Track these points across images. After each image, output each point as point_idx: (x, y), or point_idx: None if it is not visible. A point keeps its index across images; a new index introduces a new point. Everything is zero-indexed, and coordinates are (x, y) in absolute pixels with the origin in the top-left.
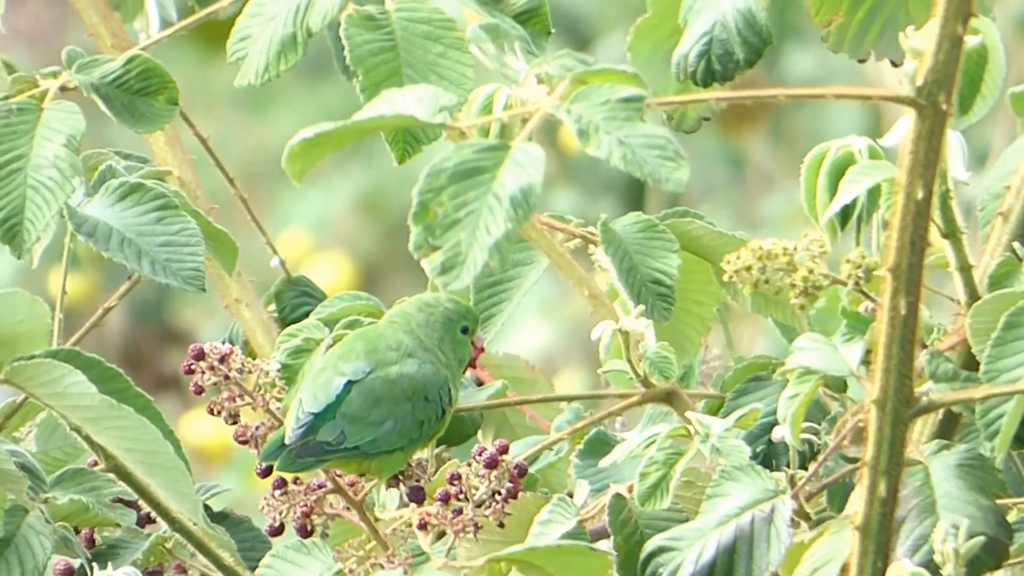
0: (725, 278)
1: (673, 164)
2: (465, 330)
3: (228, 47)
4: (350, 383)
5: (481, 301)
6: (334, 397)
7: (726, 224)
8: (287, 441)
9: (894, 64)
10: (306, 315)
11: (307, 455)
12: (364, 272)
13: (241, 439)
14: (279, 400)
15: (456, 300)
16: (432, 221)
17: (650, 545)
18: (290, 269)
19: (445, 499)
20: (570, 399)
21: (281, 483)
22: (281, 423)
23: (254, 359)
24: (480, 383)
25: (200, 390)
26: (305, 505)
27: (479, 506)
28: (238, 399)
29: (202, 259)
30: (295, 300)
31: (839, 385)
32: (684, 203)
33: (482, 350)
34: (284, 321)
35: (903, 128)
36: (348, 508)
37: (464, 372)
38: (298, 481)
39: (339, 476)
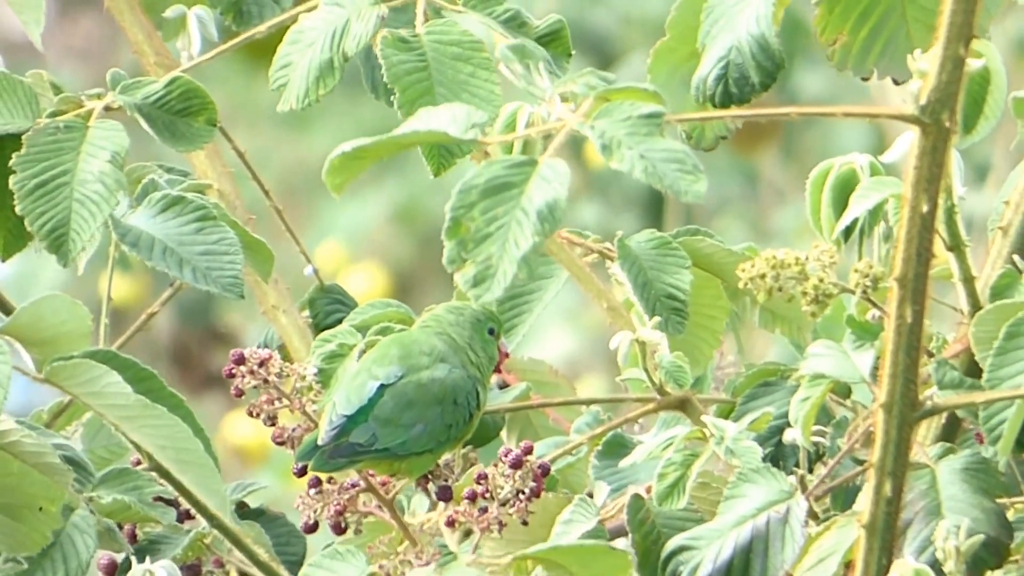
0: (740, 285)
1: (692, 177)
2: (492, 332)
3: (270, 74)
4: (383, 387)
5: (505, 312)
6: (367, 400)
7: (740, 236)
8: (320, 442)
9: (896, 82)
10: (339, 321)
11: (340, 456)
12: (397, 281)
13: (279, 440)
14: (315, 403)
15: (483, 306)
16: (464, 236)
17: (671, 545)
18: (326, 279)
19: (472, 498)
20: (590, 403)
21: (316, 482)
22: (316, 425)
23: (291, 363)
24: (505, 386)
25: (240, 393)
26: (338, 504)
27: (504, 504)
28: (276, 402)
29: (240, 267)
30: (328, 307)
31: (844, 390)
32: (700, 216)
33: (507, 355)
34: (318, 327)
35: (903, 145)
36: (380, 507)
37: (494, 371)
38: (332, 480)
39: (371, 476)
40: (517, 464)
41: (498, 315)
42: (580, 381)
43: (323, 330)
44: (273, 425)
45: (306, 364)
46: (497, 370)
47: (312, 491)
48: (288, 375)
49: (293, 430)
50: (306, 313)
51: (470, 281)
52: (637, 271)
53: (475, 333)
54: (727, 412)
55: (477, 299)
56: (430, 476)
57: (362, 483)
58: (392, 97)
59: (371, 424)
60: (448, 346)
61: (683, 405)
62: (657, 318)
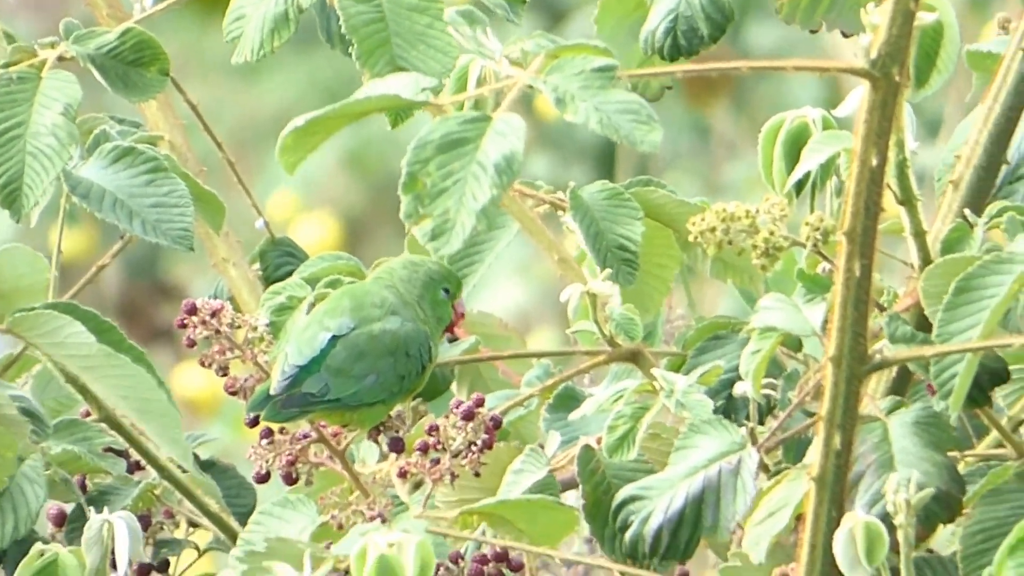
0: (690, 239)
1: (647, 127)
2: (447, 292)
3: (224, 26)
4: (335, 338)
5: (456, 262)
6: (319, 351)
7: (692, 189)
8: (273, 392)
9: (844, 35)
10: (289, 274)
11: (292, 406)
12: (349, 229)
13: (231, 390)
14: (266, 354)
15: (441, 263)
16: (421, 191)
17: (621, 495)
18: (278, 229)
19: (424, 449)
20: (541, 356)
21: (267, 433)
22: (268, 376)
23: (242, 315)
24: (454, 339)
25: (192, 343)
26: (290, 454)
27: (456, 456)
28: (228, 352)
29: (190, 219)
30: (279, 260)
31: (795, 344)
32: (652, 169)
33: (462, 315)
34: (268, 280)
35: (856, 99)
36: (331, 458)
37: (443, 335)
38: (284, 431)
39: (323, 427)
40: (469, 416)
41: (456, 274)
42: (531, 334)
43: (273, 283)
44: (225, 375)
45: (256, 316)
46: (450, 330)
47: (264, 441)
48: (240, 326)
49: (245, 380)
50: (256, 266)
51: (428, 234)
52: (589, 222)
53: (425, 292)
54: (678, 365)
55: (436, 252)
56: (381, 427)
57: (313, 434)
58: (350, 48)
59: (323, 374)
60: (399, 299)
61: (634, 358)
62: (608, 270)
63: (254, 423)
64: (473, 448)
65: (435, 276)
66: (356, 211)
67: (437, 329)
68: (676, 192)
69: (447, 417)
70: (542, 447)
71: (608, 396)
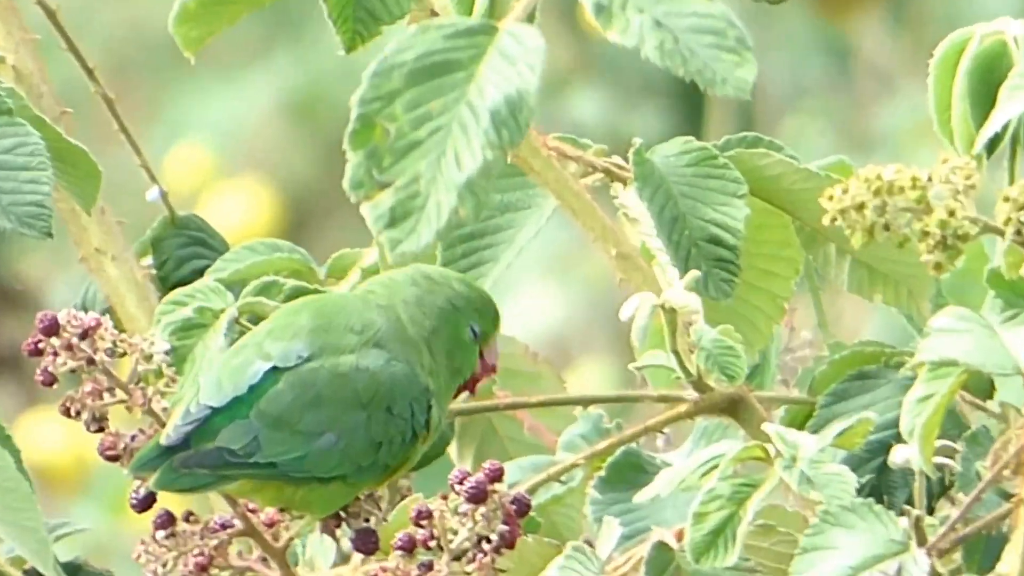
0: (824, 222)
1: (734, 57)
2: (476, 332)
3: None
4: (276, 370)
5: (453, 260)
6: (246, 388)
7: (824, 145)
8: (164, 438)
9: None
10: (199, 273)
11: (199, 465)
12: (293, 207)
13: (109, 453)
14: (165, 397)
15: (473, 285)
16: (379, 144)
17: None
18: (182, 203)
19: (408, 548)
20: (588, 402)
21: (166, 521)
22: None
23: (129, 336)
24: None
25: (51, 380)
26: (201, 554)
27: (458, 559)
28: (107, 394)
29: (48, 189)
30: (182, 251)
31: (985, 387)
32: (762, 117)
33: (494, 369)
34: (166, 281)
35: None
36: (265, 559)
37: (458, 394)
38: (192, 519)
39: (252, 512)
40: (478, 496)
41: (495, 304)
42: (572, 369)
43: (175, 287)
44: (101, 430)
45: (151, 337)
46: (470, 387)
47: (161, 534)
48: (124, 353)
49: (132, 438)
50: (148, 260)
51: (384, 217)
52: (663, 201)
53: (443, 326)
54: (803, 419)
55: (394, 247)
56: (343, 513)
57: (238, 523)
58: None
59: (252, 423)
60: (393, 329)
61: (733, 407)
62: (694, 273)
63: (145, 504)
64: (485, 546)
65: (459, 303)
66: (302, 179)
67: (449, 384)
68: (799, 157)
69: (445, 498)
70: (590, 545)
71: (694, 466)
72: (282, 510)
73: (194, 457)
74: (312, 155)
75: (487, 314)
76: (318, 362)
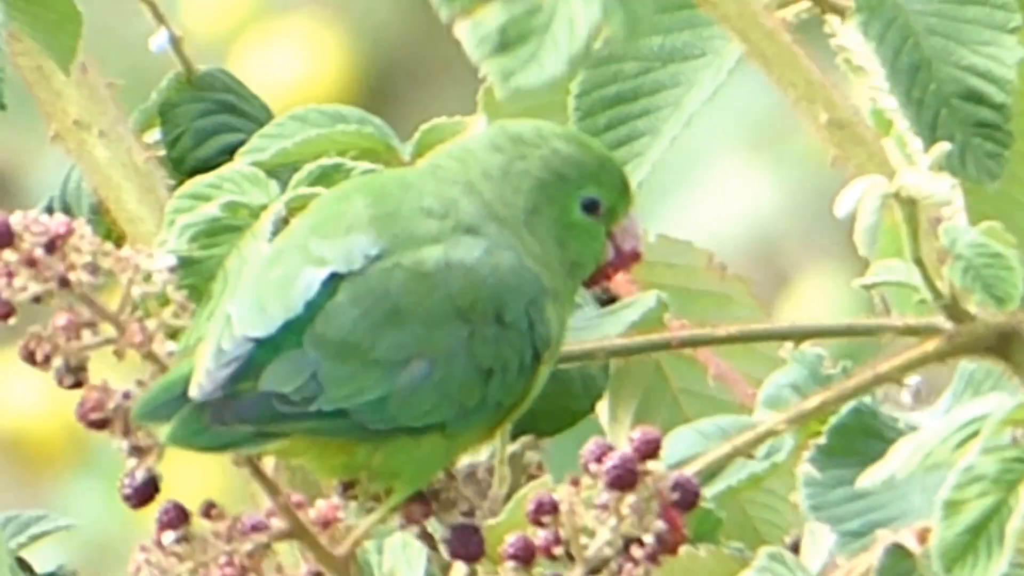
0: None
1: None
2: (593, 206)
3: None
4: (335, 277)
5: (594, 134)
6: (301, 307)
7: None
8: (196, 391)
9: None
10: (229, 153)
11: (237, 418)
12: (369, 60)
13: (93, 416)
14: (175, 338)
15: (584, 141)
16: None
17: None
18: (205, 55)
19: (524, 557)
20: (802, 337)
21: (176, 518)
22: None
23: (119, 246)
24: (609, 300)
25: (6, 311)
26: (229, 565)
27: (596, 573)
28: (87, 331)
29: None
30: (204, 122)
31: None
32: None
33: (635, 255)
34: (181, 164)
35: None
36: (320, 574)
37: (591, 284)
38: (215, 513)
39: (298, 504)
40: (624, 479)
41: (615, 162)
42: (780, 288)
43: (195, 172)
44: (78, 385)
45: (153, 248)
46: (603, 280)
47: (169, 537)
48: (114, 269)
49: (125, 396)
50: (155, 136)
51: (490, 40)
52: (899, 39)
53: (544, 202)
54: None
55: (505, 78)
56: (433, 497)
57: (279, 520)
58: None
59: (308, 354)
60: (481, 207)
61: (1004, 343)
62: (943, 145)
63: (143, 494)
64: (636, 553)
65: (567, 169)
66: (382, 20)
67: (567, 283)
68: None
69: (577, 483)
70: (795, 549)
71: (946, 433)
72: (348, 486)
73: (230, 407)
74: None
75: (608, 180)
76: (391, 260)
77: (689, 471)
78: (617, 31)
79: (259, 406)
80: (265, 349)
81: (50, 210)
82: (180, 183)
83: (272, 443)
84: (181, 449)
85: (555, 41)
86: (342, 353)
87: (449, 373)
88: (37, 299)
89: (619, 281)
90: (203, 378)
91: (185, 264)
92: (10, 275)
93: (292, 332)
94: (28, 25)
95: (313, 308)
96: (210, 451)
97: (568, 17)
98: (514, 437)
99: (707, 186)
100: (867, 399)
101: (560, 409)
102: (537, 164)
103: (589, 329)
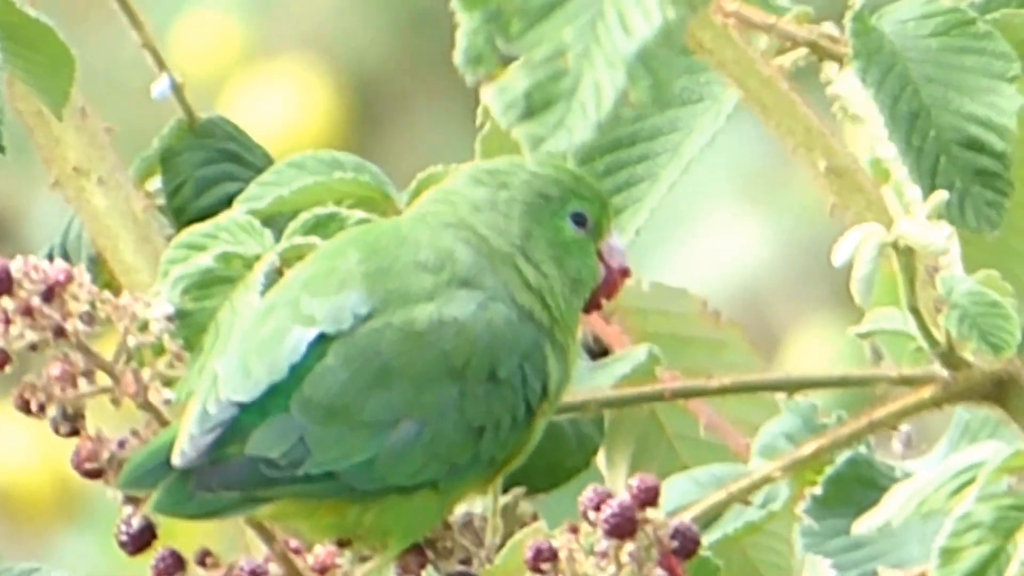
0: None
1: None
2: (582, 220)
3: None
4: (323, 339)
5: (600, 179)
6: (286, 370)
7: None
8: (178, 458)
9: None
10: (230, 203)
11: (224, 484)
12: (359, 100)
13: (88, 466)
14: (170, 383)
15: (552, 161)
16: (503, 2)
17: None
18: (205, 101)
19: None
20: (796, 387)
21: (172, 565)
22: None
23: (116, 295)
24: (600, 351)
25: (2, 359)
26: None
27: None
28: (83, 380)
29: None
30: (206, 170)
31: None
32: None
33: (625, 272)
34: (182, 214)
35: None
36: None
37: (589, 310)
38: (210, 561)
39: (295, 551)
40: (623, 527)
41: (589, 179)
42: (773, 337)
43: (191, 222)
44: (74, 433)
45: (151, 297)
46: (596, 305)
47: None
48: (111, 317)
49: (120, 445)
50: (155, 184)
51: (517, 105)
52: (898, 88)
53: (535, 224)
54: None
55: (535, 146)
56: (427, 548)
57: (276, 567)
58: None
59: (294, 419)
60: (476, 254)
61: (1001, 391)
62: (941, 193)
63: (140, 542)
64: None
65: (550, 189)
66: (372, 59)
67: (571, 303)
68: None
69: (576, 530)
70: None
71: (941, 480)
72: (342, 544)
73: (216, 474)
74: (387, 23)
75: (589, 193)
76: (382, 319)
77: (687, 516)
78: (643, 96)
79: (246, 471)
80: (251, 413)
81: (50, 258)
82: (177, 231)
83: (260, 507)
84: (168, 513)
85: (582, 107)
86: (330, 416)
87: (439, 432)
88: (33, 347)
89: (611, 332)
90: (186, 444)
91: (178, 316)
92: (7, 322)
93: (278, 395)
94: (21, 68)
95: (299, 371)
96: (197, 518)
97: (594, 82)
98: (506, 489)
99: (701, 235)
100: (862, 449)
101: (555, 465)
102: (520, 190)
103: (581, 382)
